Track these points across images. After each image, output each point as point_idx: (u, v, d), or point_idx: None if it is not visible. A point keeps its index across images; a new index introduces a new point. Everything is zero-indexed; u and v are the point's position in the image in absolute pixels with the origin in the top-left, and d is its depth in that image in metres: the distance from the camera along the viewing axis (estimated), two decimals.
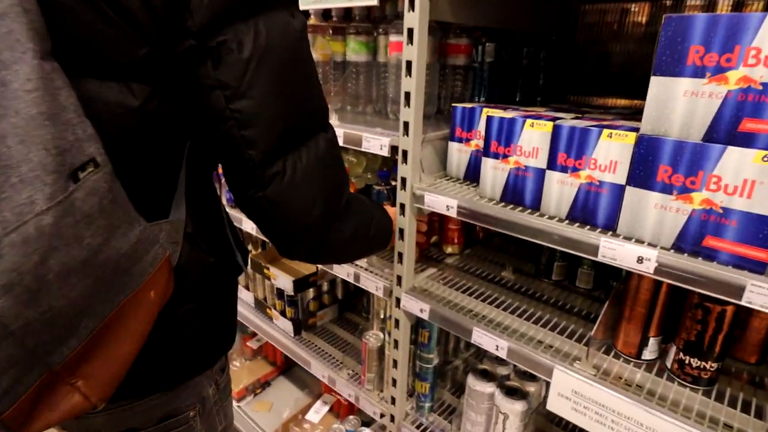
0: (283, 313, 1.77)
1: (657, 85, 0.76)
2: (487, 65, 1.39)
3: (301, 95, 0.64)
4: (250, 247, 2.01)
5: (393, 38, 1.32)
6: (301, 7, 1.27)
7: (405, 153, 1.13)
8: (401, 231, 1.20)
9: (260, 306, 1.89)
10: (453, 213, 1.07)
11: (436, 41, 1.36)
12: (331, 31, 1.46)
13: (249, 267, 1.87)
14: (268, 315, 1.85)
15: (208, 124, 0.60)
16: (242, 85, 0.57)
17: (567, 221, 0.93)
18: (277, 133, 0.61)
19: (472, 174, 1.15)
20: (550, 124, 0.91)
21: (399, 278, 1.24)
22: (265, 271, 1.78)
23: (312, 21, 1.51)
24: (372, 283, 1.31)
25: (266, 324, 1.83)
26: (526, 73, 1.49)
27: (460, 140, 1.17)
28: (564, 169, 0.91)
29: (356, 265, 1.38)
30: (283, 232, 0.69)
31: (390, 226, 0.99)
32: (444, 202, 1.08)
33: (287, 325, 1.75)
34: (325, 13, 1.56)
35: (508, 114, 1.00)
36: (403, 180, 1.15)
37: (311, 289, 1.76)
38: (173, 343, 0.68)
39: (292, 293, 1.69)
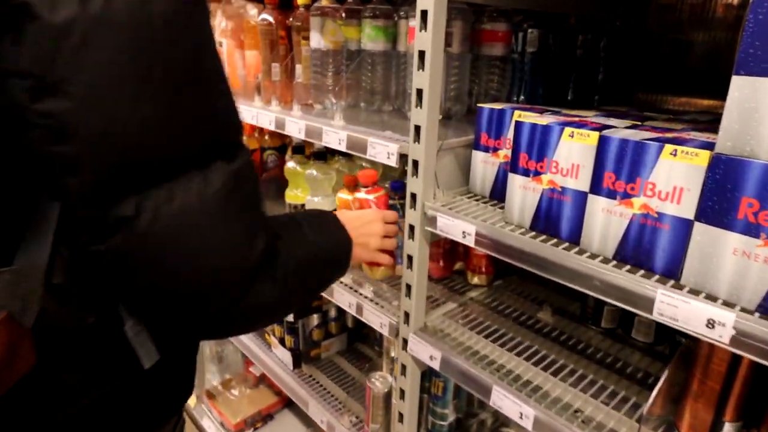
0: (282, 342, 1.69)
1: (741, 87, 0.61)
2: (530, 56, 1.25)
3: (176, 99, 0.48)
4: None
5: (414, 23, 1.21)
6: None
7: (416, 163, 1.02)
8: (410, 258, 1.08)
9: (258, 331, 1.82)
10: (470, 241, 0.95)
11: (467, 26, 1.25)
12: (344, 14, 1.37)
13: None
14: (267, 342, 1.77)
15: (5, 133, 0.44)
16: (53, 73, 0.42)
17: (614, 262, 0.79)
18: (121, 156, 0.46)
19: (500, 192, 1.03)
20: (595, 134, 0.78)
21: (407, 315, 1.13)
22: None
23: (323, 2, 1.43)
24: (376, 318, 1.21)
25: (264, 352, 1.76)
26: (580, 67, 1.34)
27: (486, 149, 1.05)
28: (612, 195, 0.77)
29: (358, 293, 1.27)
30: (153, 307, 0.54)
31: (348, 247, 0.85)
32: (460, 227, 0.96)
33: (286, 356, 1.67)
34: None
35: (543, 119, 0.87)
36: (413, 196, 1.04)
37: (315, 316, 1.67)
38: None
39: (292, 319, 1.61)
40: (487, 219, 0.96)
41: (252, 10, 1.62)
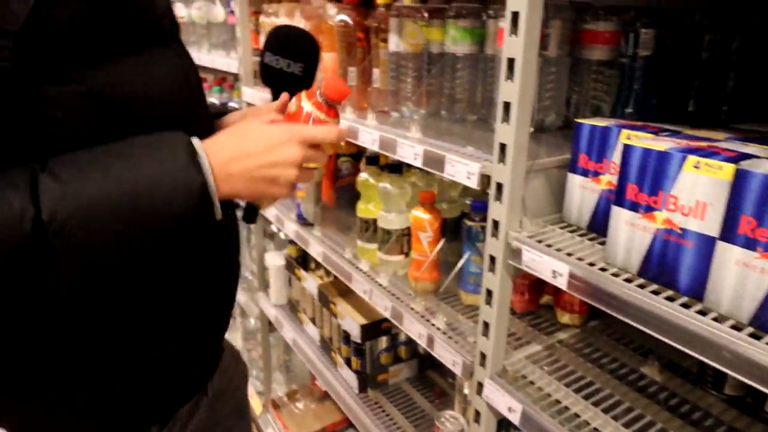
0: (348, 362, 1.64)
1: None
2: (642, 61, 1.10)
3: None
4: (321, 272, 1.92)
5: (504, 24, 1.11)
6: None
7: (500, 186, 0.92)
8: (489, 293, 0.98)
9: (325, 347, 1.78)
10: (562, 283, 0.83)
11: (567, 26, 1.12)
12: (426, 14, 1.29)
13: (317, 299, 1.78)
14: (333, 360, 1.74)
15: None
16: None
17: (749, 328, 0.64)
18: None
19: (600, 224, 0.90)
20: (730, 167, 0.64)
21: (483, 356, 1.03)
22: (332, 306, 1.67)
23: (404, 1, 1.35)
24: (449, 355, 1.11)
25: (330, 370, 1.73)
26: (705, 73, 1.16)
27: (584, 173, 0.92)
28: (751, 245, 0.62)
29: (430, 323, 1.19)
30: None
31: (192, 184, 0.61)
32: (550, 265, 0.85)
33: (351, 378, 1.62)
34: None
35: (659, 143, 0.74)
36: (496, 224, 0.94)
37: (384, 338, 1.61)
38: None
39: (359, 340, 1.56)
40: (584, 257, 0.84)
41: (331, 10, 1.58)
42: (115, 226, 0.57)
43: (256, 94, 1.86)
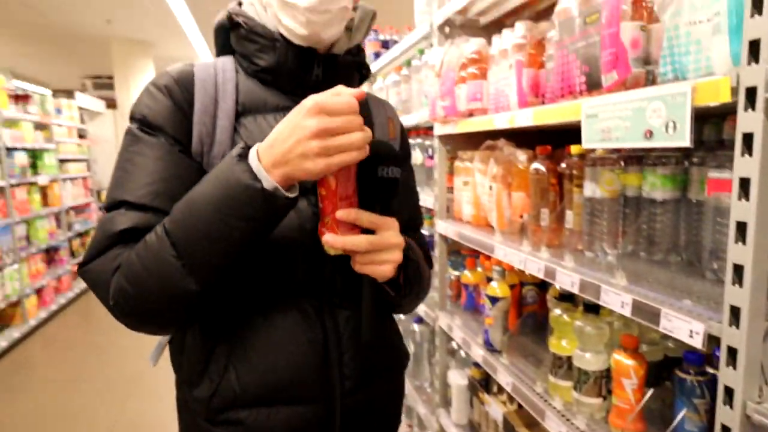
0: None
1: None
2: None
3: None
4: (503, 397, 1.82)
5: (713, 174, 1.03)
6: (587, 146, 1.14)
7: (732, 351, 0.80)
8: None
9: None
10: None
11: None
12: (622, 163, 1.26)
13: (502, 427, 1.67)
14: None
15: None
16: None
17: None
18: None
19: None
20: None
21: None
22: None
23: (598, 151, 1.35)
24: None
25: None
26: None
27: None
28: None
29: (570, 422, 1.03)
30: None
31: (242, 178, 0.73)
32: None
33: None
34: None
35: None
36: (729, 391, 0.81)
37: None
38: None
39: None
40: None
41: (521, 156, 1.64)
42: (186, 210, 0.76)
43: (449, 227, 1.95)
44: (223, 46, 0.95)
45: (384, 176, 0.77)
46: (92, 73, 10.89)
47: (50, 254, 5.56)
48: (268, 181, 0.72)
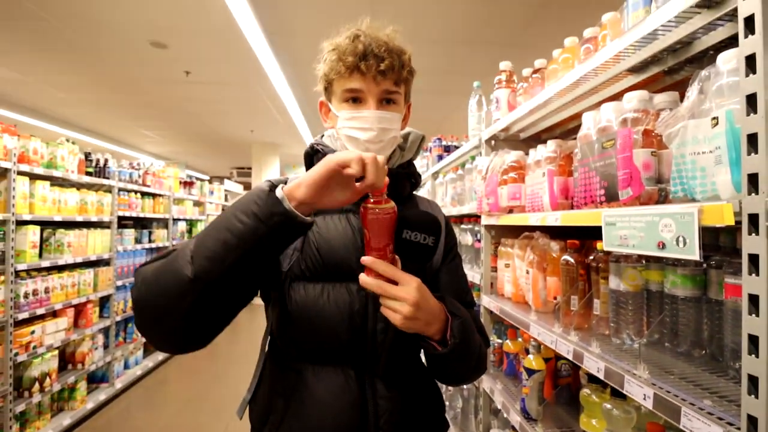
0: None
1: None
2: None
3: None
4: None
5: (730, 280, 0.91)
6: (608, 248, 1.06)
7: None
8: None
9: None
10: None
11: None
12: (644, 261, 1.16)
13: None
14: None
15: None
16: None
17: None
18: None
19: None
20: None
21: None
22: None
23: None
24: None
25: None
26: None
27: None
28: None
29: None
30: None
31: (258, 191, 0.73)
32: None
33: None
34: None
35: None
36: None
37: None
38: None
39: None
40: None
41: (555, 246, 1.56)
42: (211, 233, 0.72)
43: (492, 302, 1.86)
44: (308, 166, 1.04)
45: (408, 239, 0.76)
46: (237, 165, 12.08)
47: None
48: (280, 191, 0.71)
